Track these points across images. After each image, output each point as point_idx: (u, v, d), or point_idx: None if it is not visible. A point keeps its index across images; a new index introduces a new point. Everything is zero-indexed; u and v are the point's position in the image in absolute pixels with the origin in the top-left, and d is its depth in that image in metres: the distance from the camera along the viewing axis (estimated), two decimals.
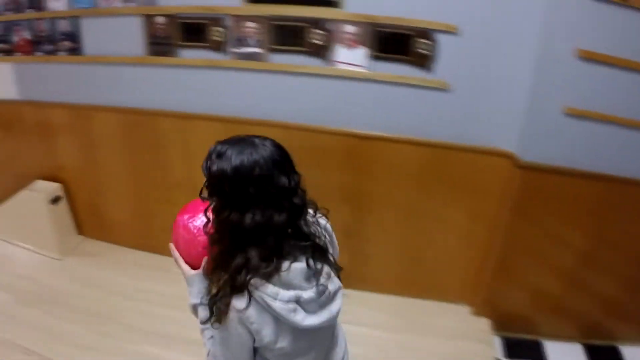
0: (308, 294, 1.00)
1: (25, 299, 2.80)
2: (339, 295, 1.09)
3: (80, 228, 3.38)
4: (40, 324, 2.62)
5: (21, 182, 3.34)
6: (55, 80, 3.02)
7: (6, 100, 3.22)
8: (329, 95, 2.48)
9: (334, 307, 1.07)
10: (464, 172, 2.43)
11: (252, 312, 0.97)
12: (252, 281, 0.95)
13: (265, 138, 1.01)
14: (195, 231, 1.09)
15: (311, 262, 1.00)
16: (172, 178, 2.98)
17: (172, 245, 1.16)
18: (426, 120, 2.38)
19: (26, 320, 2.69)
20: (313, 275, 1.01)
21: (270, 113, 2.58)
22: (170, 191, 3.02)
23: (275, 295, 0.97)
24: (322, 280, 1.02)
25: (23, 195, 3.27)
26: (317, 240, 1.04)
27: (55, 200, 3.25)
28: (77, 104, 3.00)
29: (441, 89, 2.30)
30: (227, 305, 0.96)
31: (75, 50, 2.89)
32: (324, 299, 1.03)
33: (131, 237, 3.32)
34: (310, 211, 1.08)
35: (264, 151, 0.95)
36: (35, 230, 3.30)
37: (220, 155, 0.96)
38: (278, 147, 1.00)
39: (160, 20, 2.65)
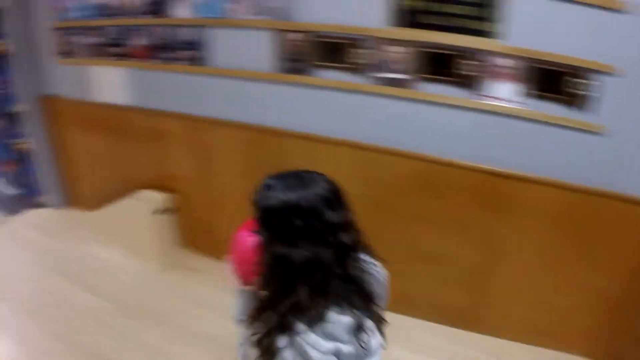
0: (348, 348, 0.99)
1: (125, 310, 2.78)
2: (378, 352, 1.06)
3: (185, 241, 3.38)
4: (141, 339, 2.57)
5: (127, 189, 3.38)
6: (172, 89, 2.98)
7: (116, 105, 3.24)
8: (471, 129, 2.32)
9: None
10: (608, 220, 2.25)
11: (289, 356, 0.97)
12: (297, 324, 0.96)
13: (316, 173, 1.04)
14: (250, 248, 1.12)
15: (357, 316, 0.99)
16: None
17: (228, 258, 1.21)
18: (574, 163, 2.22)
19: (126, 334, 2.61)
20: (357, 329, 1.00)
21: (404, 142, 2.46)
22: None
23: (315, 345, 0.97)
24: (365, 336, 1.00)
25: (129, 202, 3.30)
26: (365, 286, 1.03)
27: (162, 210, 3.25)
28: (193, 115, 2.96)
29: (595, 131, 2.12)
30: (274, 346, 0.98)
31: (197, 61, 2.79)
32: (362, 354, 1.01)
33: None
34: (368, 258, 1.08)
35: (313, 186, 0.99)
36: (138, 239, 3.31)
37: (268, 189, 1.00)
38: (328, 183, 1.02)
39: (294, 36, 2.49)
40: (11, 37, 3.53)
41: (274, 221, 0.99)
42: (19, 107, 3.81)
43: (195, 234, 3.38)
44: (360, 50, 2.37)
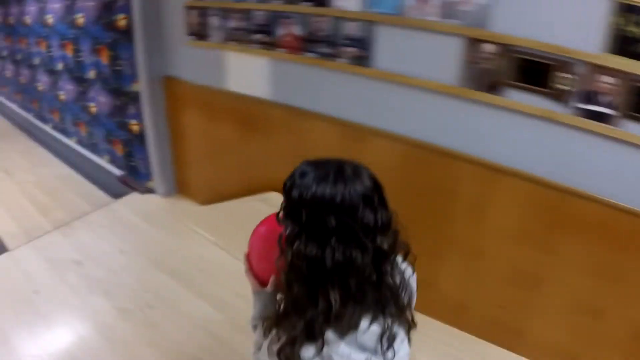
0: (377, 358, 0.95)
1: (236, 325, 2.64)
2: None
3: None
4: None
5: (247, 187, 3.28)
6: (323, 89, 2.76)
7: (251, 97, 3.09)
8: None
9: None
10: None
11: None
12: (326, 333, 0.92)
13: (359, 166, 0.97)
14: (269, 245, 1.05)
15: (389, 324, 0.96)
16: (450, 232, 2.62)
17: (245, 255, 1.19)
18: None
19: (233, 352, 2.50)
20: (387, 338, 0.96)
21: (602, 186, 2.15)
22: (441, 247, 2.67)
23: (346, 356, 0.93)
24: (396, 346, 0.97)
25: (251, 203, 3.19)
26: (400, 293, 1.00)
27: None
28: (343, 119, 2.73)
29: None
30: (297, 356, 0.92)
31: (360, 61, 2.55)
32: None
33: None
34: (399, 258, 1.04)
35: (354, 181, 0.92)
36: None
37: (303, 177, 0.94)
38: (371, 179, 0.96)
39: (487, 48, 2.18)
40: (136, 11, 3.45)
41: (304, 215, 0.92)
42: (137, 86, 3.74)
43: None
44: (566, 75, 2.05)
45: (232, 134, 3.34)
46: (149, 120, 3.90)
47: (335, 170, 0.94)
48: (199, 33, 3.25)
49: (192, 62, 3.44)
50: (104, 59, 4.32)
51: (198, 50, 3.32)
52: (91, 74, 4.71)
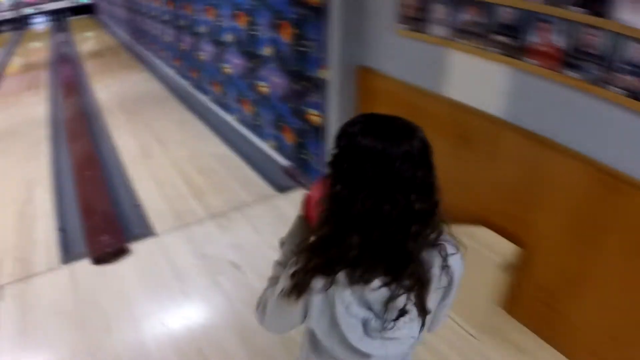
0: (376, 323, 1.06)
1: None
2: (408, 342, 1.14)
3: (512, 306, 2.93)
4: None
5: (452, 214, 2.83)
6: (582, 119, 2.32)
7: (479, 111, 2.76)
8: None
9: (395, 347, 1.12)
10: None
11: (318, 301, 1.08)
12: (339, 274, 1.03)
13: (414, 127, 1.04)
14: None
15: (400, 293, 1.03)
16: None
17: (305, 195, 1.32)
18: None
19: None
20: (396, 310, 1.05)
21: None
22: None
23: (347, 304, 1.05)
24: (401, 322, 1.06)
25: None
26: (423, 269, 1.04)
27: (503, 264, 2.74)
28: (603, 164, 2.28)
29: None
30: (307, 284, 1.06)
31: None
32: (387, 336, 1.08)
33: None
34: (450, 248, 1.12)
35: (403, 141, 1.00)
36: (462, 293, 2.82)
37: (352, 125, 1.03)
38: (419, 139, 1.02)
39: None
40: None
41: (347, 163, 1.01)
42: (325, 73, 3.51)
43: (530, 303, 2.83)
44: None
45: (439, 148, 2.94)
46: (333, 114, 3.70)
47: (385, 123, 1.02)
48: (415, 21, 2.93)
49: (400, 55, 3.15)
50: (285, 36, 4.15)
51: (411, 42, 3.01)
52: (266, 50, 4.59)
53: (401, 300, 1.05)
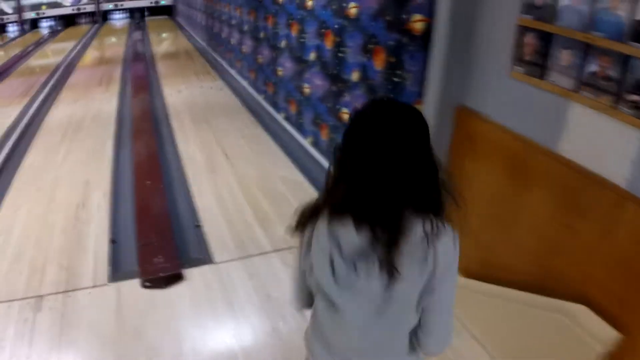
0: (341, 264, 1.25)
1: None
2: (364, 293, 1.28)
3: None
4: None
5: (550, 286, 2.75)
6: None
7: (598, 177, 2.52)
8: None
9: (362, 302, 1.30)
10: None
11: (308, 233, 1.34)
12: (323, 215, 1.28)
13: (410, 106, 1.28)
14: None
15: (371, 247, 1.21)
16: None
17: None
18: None
19: None
20: (362, 259, 1.23)
21: None
22: None
23: (318, 235, 1.28)
24: (363, 272, 1.24)
25: (549, 315, 2.69)
26: (398, 228, 1.19)
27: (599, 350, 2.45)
28: None
29: None
30: (304, 220, 1.36)
31: None
32: (351, 283, 1.26)
33: None
34: (443, 230, 1.27)
35: (393, 112, 1.23)
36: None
37: (361, 106, 1.29)
38: (410, 119, 1.23)
39: None
40: (441, 15, 3.08)
41: (346, 132, 1.26)
42: (419, 109, 3.27)
43: None
44: None
45: (542, 209, 2.77)
46: None
47: (384, 102, 1.29)
48: (534, 66, 2.71)
49: (510, 100, 2.93)
50: (378, 63, 4.00)
51: (526, 87, 2.80)
52: (354, 75, 4.45)
53: (368, 250, 1.21)
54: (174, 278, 3.49)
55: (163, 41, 15.20)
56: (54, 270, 3.65)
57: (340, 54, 4.70)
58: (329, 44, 4.94)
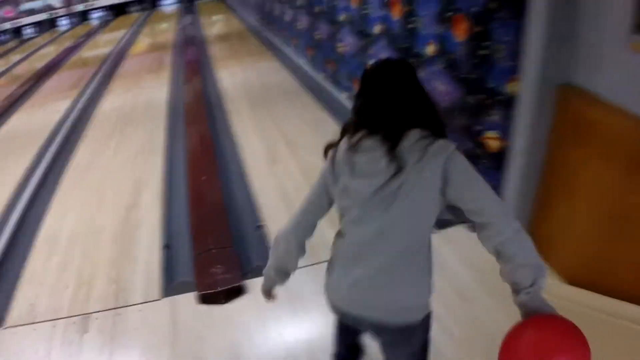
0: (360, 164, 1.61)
1: None
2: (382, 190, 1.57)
3: None
4: None
5: None
6: None
7: None
8: None
9: (370, 188, 1.58)
10: None
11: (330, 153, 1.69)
12: (345, 138, 1.66)
13: (392, 59, 1.71)
14: None
15: (388, 158, 1.54)
16: None
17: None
18: None
19: None
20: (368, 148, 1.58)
21: None
22: None
23: (340, 153, 1.64)
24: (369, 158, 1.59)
25: None
26: (397, 135, 1.54)
27: None
28: None
29: None
30: (335, 144, 1.74)
31: None
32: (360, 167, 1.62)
33: None
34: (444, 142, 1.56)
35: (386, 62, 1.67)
36: None
37: (370, 65, 1.69)
38: (389, 64, 1.69)
39: None
40: None
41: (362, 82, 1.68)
42: (514, 87, 2.95)
43: None
44: None
45: None
46: (519, 140, 3.05)
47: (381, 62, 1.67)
48: None
49: (632, 77, 2.39)
50: (459, 34, 3.49)
51: None
52: (429, 49, 3.97)
53: (377, 150, 1.56)
54: (235, 291, 3.20)
55: (214, 24, 15.09)
56: (103, 286, 3.39)
57: (410, 26, 4.17)
58: (396, 14, 4.42)
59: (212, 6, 18.46)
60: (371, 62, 1.67)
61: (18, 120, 7.93)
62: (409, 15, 4.23)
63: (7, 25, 20.44)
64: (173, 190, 4.68)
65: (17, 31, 20.51)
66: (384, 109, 1.57)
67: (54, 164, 5.67)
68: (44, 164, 5.69)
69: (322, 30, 6.97)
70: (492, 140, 3.31)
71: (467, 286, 2.97)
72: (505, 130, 3.14)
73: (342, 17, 6.01)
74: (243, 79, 8.18)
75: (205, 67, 9.29)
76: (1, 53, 16.64)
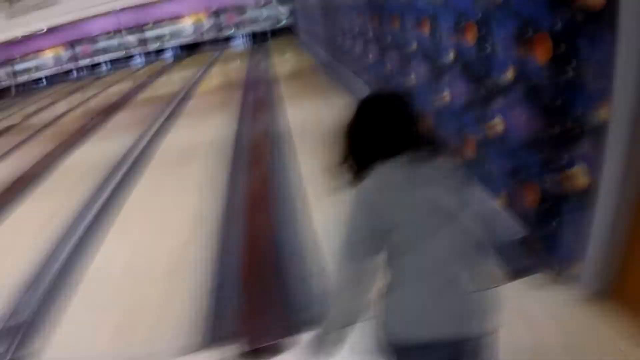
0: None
1: None
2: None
3: None
4: None
5: None
6: None
7: None
8: None
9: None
10: None
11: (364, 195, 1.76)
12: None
13: (394, 94, 1.92)
14: None
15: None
16: None
17: None
18: None
19: None
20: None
21: None
22: None
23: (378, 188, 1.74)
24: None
25: None
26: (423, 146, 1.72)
27: None
28: None
29: None
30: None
31: None
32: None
33: None
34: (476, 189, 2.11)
35: (396, 113, 1.79)
36: None
37: (365, 100, 1.88)
38: (387, 98, 1.87)
39: None
40: None
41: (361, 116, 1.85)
42: (604, 114, 2.62)
43: None
44: None
45: None
46: (610, 174, 2.71)
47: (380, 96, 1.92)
48: None
49: None
50: (539, 56, 3.17)
51: None
52: (505, 76, 3.61)
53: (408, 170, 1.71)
54: (275, 350, 2.95)
55: (285, 61, 15.30)
56: (143, 331, 3.27)
57: (483, 51, 3.87)
58: (470, 39, 4.12)
59: (283, 44, 18.88)
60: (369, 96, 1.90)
61: (82, 153, 8.33)
62: (482, 40, 3.93)
63: (86, 61, 21.88)
64: (229, 230, 4.58)
65: (93, 67, 21.94)
66: (409, 129, 1.76)
67: (112, 199, 5.75)
68: (104, 195, 5.82)
69: (392, 63, 6.84)
70: (577, 176, 2.94)
71: None
72: (593, 164, 2.77)
73: (413, 46, 5.79)
74: (312, 117, 8.11)
75: (273, 105, 9.35)
76: (78, 88, 17.39)
